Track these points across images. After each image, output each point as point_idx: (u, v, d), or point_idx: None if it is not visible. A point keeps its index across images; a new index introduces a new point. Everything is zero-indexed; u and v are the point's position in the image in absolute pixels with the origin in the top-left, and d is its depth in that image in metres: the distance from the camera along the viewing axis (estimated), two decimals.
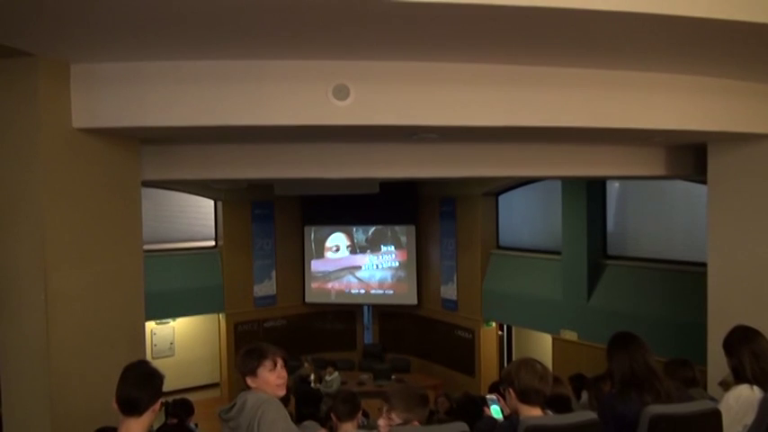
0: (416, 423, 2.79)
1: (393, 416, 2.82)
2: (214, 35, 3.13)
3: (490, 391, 4.79)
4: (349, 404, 3.63)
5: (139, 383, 2.46)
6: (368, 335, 13.26)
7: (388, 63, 3.66)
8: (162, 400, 2.58)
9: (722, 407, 2.91)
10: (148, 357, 7.63)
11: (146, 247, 4.61)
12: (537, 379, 2.69)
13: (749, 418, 2.89)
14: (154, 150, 4.98)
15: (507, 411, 2.97)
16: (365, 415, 4.78)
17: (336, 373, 10.17)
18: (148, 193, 7.15)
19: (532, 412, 2.69)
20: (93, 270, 3.85)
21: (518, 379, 2.70)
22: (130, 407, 2.43)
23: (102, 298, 3.91)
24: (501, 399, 3.08)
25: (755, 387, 2.93)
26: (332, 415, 3.63)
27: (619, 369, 2.93)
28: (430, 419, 2.98)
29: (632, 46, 3.48)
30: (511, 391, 2.73)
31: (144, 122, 3.70)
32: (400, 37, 3.22)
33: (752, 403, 2.90)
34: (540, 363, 2.78)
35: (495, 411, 3.11)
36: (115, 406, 2.46)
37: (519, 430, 2.59)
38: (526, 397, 2.69)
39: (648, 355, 2.93)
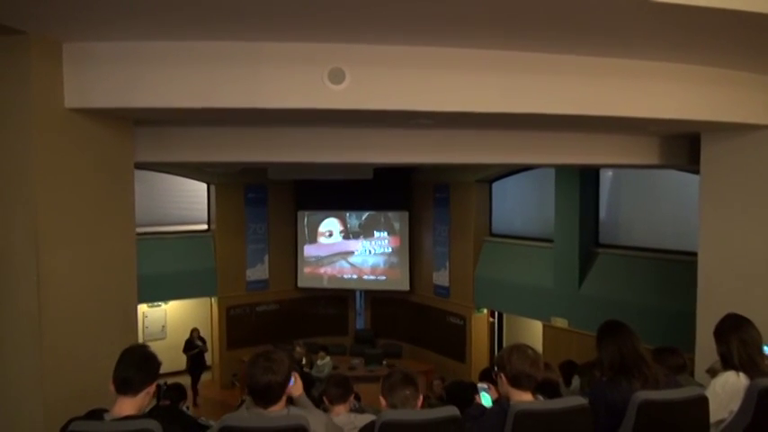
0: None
1: None
2: (210, 15, 3.10)
3: (481, 379, 4.84)
4: (341, 387, 3.66)
5: (136, 364, 2.54)
6: (360, 320, 13.31)
7: (384, 47, 3.64)
8: (157, 383, 2.62)
9: (709, 393, 2.94)
10: (140, 340, 7.64)
11: (138, 229, 4.59)
12: (528, 364, 2.71)
13: (735, 405, 2.93)
14: (147, 132, 4.94)
15: (496, 398, 3.00)
16: (357, 398, 4.82)
17: (328, 358, 10.21)
18: (141, 175, 7.09)
19: (523, 397, 2.72)
20: (86, 252, 3.84)
21: (510, 364, 2.72)
22: (125, 385, 2.49)
23: (95, 280, 3.90)
24: (492, 387, 3.11)
25: (742, 374, 2.96)
26: (324, 398, 3.66)
27: (608, 356, 2.96)
28: (423, 404, 2.99)
29: (629, 34, 3.47)
30: (502, 375, 2.76)
31: (137, 103, 3.67)
32: (397, 21, 3.20)
33: (738, 390, 2.93)
34: (531, 348, 2.80)
35: (486, 399, 3.15)
36: (112, 388, 2.51)
37: (509, 415, 2.61)
38: (517, 382, 2.72)
39: (637, 341, 2.96)
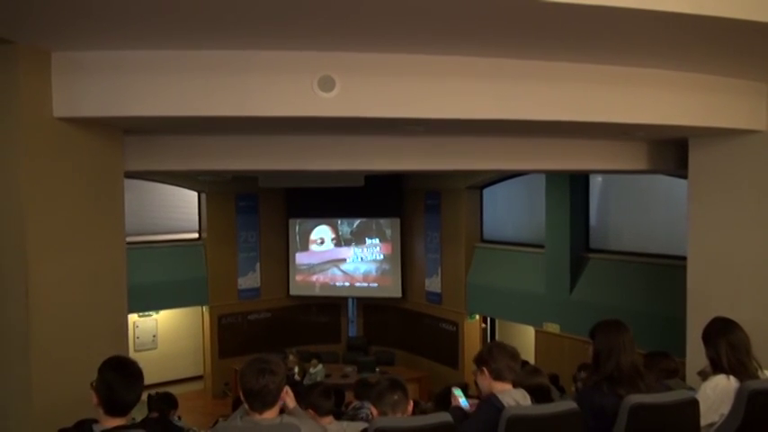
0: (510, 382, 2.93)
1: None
2: (199, 24, 3.10)
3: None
4: (328, 398, 3.65)
5: (127, 388, 2.44)
6: (352, 328, 13.27)
7: (374, 55, 3.65)
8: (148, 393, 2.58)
9: (699, 396, 2.96)
10: (131, 350, 7.58)
11: (129, 239, 4.57)
12: (509, 357, 2.94)
13: (725, 408, 2.95)
14: (137, 141, 4.92)
15: (479, 395, 3.09)
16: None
17: (321, 366, 10.17)
18: (131, 184, 7.06)
19: (505, 387, 2.89)
20: (75, 262, 3.81)
21: (492, 359, 2.93)
22: (122, 410, 2.42)
23: (85, 290, 3.87)
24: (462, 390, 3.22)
25: (731, 377, 2.98)
26: (310, 410, 3.58)
27: (608, 370, 2.94)
28: (414, 411, 2.99)
29: (617, 41, 3.51)
30: (485, 370, 2.94)
31: (127, 112, 3.66)
32: (386, 29, 3.22)
33: (728, 393, 2.95)
34: (509, 345, 3.04)
35: (463, 401, 3.16)
36: (95, 401, 2.44)
37: (502, 420, 2.63)
38: (499, 374, 2.91)
39: (633, 351, 2.97)
